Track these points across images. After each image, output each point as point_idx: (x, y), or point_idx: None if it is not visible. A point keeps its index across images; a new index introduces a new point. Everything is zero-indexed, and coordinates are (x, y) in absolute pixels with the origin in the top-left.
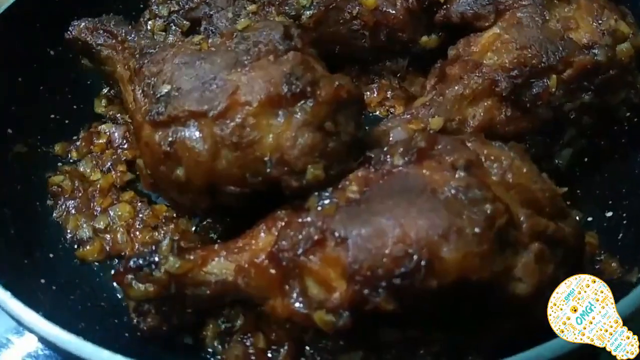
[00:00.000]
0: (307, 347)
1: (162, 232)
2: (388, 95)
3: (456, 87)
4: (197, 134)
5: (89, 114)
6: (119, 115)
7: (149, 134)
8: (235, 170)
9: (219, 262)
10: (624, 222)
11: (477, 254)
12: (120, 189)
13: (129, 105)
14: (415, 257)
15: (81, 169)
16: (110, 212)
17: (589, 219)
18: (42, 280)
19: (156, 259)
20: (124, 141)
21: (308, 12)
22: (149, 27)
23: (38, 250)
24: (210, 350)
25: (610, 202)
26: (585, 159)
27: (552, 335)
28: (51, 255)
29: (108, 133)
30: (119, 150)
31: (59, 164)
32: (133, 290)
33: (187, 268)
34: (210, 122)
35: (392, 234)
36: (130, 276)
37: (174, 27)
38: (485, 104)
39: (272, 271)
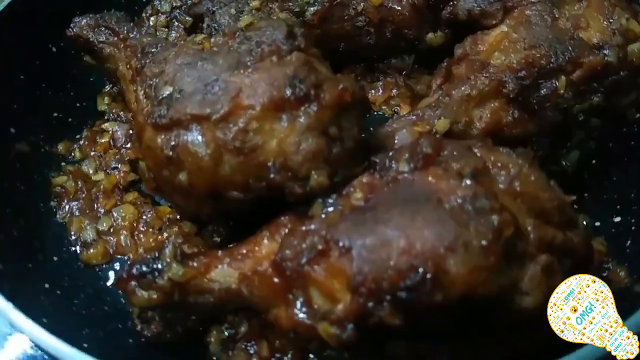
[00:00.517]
0: (311, 356)
1: (166, 234)
2: (393, 94)
3: (462, 88)
4: (199, 138)
5: (92, 112)
6: (122, 113)
7: (151, 137)
8: (238, 176)
9: (223, 270)
10: (632, 228)
11: (483, 267)
12: (124, 190)
13: (131, 105)
14: (420, 270)
15: (84, 169)
16: (113, 213)
17: (597, 223)
18: (46, 285)
19: (159, 266)
20: (127, 140)
21: (312, 9)
22: (151, 23)
23: (41, 253)
24: (214, 357)
25: (618, 206)
26: (594, 162)
27: (560, 347)
28: (55, 259)
29: (111, 131)
30: (123, 150)
31: (62, 163)
32: (136, 298)
33: (190, 275)
34: (212, 126)
35: (398, 245)
36: (133, 283)
37: (176, 23)
38: (492, 105)
39: (276, 280)
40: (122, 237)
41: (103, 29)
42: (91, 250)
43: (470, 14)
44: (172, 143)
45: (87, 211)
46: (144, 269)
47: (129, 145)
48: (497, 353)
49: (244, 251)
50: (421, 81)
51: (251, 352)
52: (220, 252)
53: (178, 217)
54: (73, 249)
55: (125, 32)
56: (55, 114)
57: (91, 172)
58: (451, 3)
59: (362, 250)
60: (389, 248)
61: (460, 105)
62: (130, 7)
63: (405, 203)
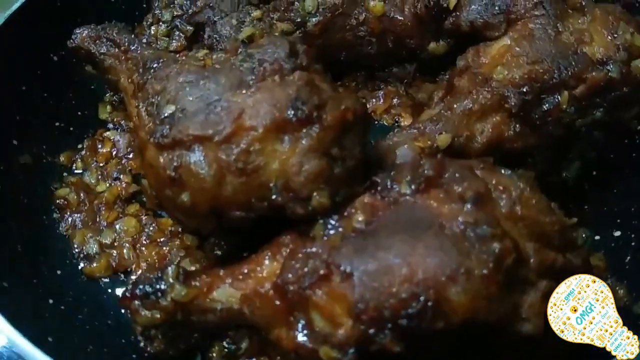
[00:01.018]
0: None
1: (168, 248)
2: (394, 103)
3: (464, 102)
4: (202, 159)
5: (93, 120)
6: (123, 122)
7: (153, 156)
8: (240, 196)
9: (225, 290)
10: (632, 243)
11: (484, 296)
12: (126, 201)
13: (132, 117)
14: (422, 298)
15: (86, 180)
16: (116, 226)
17: (597, 237)
18: (51, 301)
19: (162, 286)
20: (129, 150)
21: (314, 19)
22: (152, 32)
23: (45, 268)
24: None
25: (618, 220)
26: (594, 173)
27: None
28: (59, 272)
29: (113, 141)
30: (124, 161)
31: (65, 174)
32: (140, 317)
33: (193, 295)
34: (215, 147)
35: (399, 273)
36: (137, 302)
37: (177, 33)
38: (494, 119)
39: (277, 302)
40: (124, 251)
41: (104, 40)
42: (94, 264)
43: (472, 25)
44: (175, 164)
45: (90, 223)
46: (147, 289)
47: (130, 156)
48: None
49: (246, 271)
50: (422, 89)
51: None
52: (222, 272)
53: (180, 229)
54: (76, 262)
55: (126, 44)
56: (57, 124)
57: (93, 182)
58: (454, 14)
59: (364, 277)
60: (390, 275)
61: (461, 119)
62: (131, 13)
63: (407, 228)
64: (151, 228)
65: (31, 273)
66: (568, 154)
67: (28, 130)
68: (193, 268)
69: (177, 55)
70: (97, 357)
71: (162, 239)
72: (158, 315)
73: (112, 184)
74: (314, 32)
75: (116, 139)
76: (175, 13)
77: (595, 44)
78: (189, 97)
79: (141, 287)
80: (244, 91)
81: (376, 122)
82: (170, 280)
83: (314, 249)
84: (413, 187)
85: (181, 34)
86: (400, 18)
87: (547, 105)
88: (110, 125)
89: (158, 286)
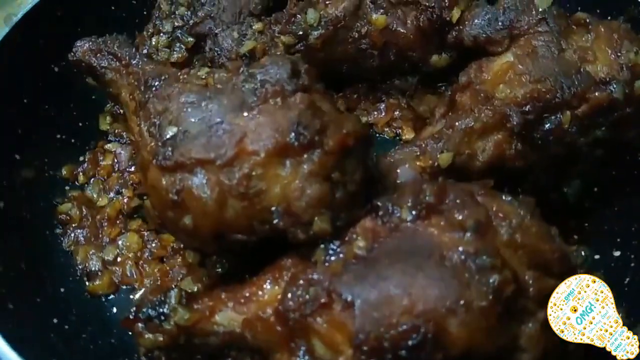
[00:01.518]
0: None
1: (170, 265)
2: (396, 115)
3: (466, 120)
4: (204, 182)
5: (94, 132)
6: (124, 133)
7: (155, 177)
8: (242, 220)
9: (226, 314)
10: (632, 264)
11: (483, 328)
12: (128, 216)
13: (134, 134)
14: (422, 330)
15: (88, 194)
16: (118, 242)
17: (597, 256)
18: (55, 320)
19: (165, 310)
20: (130, 163)
21: (316, 32)
22: (152, 43)
23: (50, 285)
24: None
25: (618, 239)
26: (595, 189)
27: None
28: (62, 290)
29: (114, 153)
30: (126, 174)
31: (66, 187)
32: (143, 339)
33: (195, 319)
34: (217, 171)
35: (400, 304)
36: (140, 325)
37: (178, 44)
38: (495, 137)
39: (279, 328)
40: (127, 267)
41: (105, 53)
42: (97, 282)
43: (475, 40)
44: (177, 187)
45: (93, 239)
46: (151, 312)
47: (132, 169)
48: None
49: (247, 294)
50: (424, 101)
51: None
52: (223, 295)
53: (182, 246)
54: (79, 278)
55: (127, 57)
56: (58, 135)
57: (95, 196)
58: (457, 27)
59: (365, 306)
60: (391, 306)
61: (463, 137)
62: (131, 22)
63: (408, 257)
64: (153, 244)
65: (35, 292)
66: (569, 172)
67: (30, 144)
68: (195, 288)
69: (179, 73)
70: None
71: (164, 257)
72: (161, 339)
73: (114, 198)
74: (316, 45)
75: (117, 152)
76: (176, 24)
77: (599, 62)
78: (191, 118)
79: (144, 310)
80: (245, 113)
81: (377, 135)
82: (173, 303)
83: (315, 276)
84: (414, 212)
85: (182, 45)
86: (402, 31)
87: (549, 124)
88: (112, 137)
89: (161, 310)
